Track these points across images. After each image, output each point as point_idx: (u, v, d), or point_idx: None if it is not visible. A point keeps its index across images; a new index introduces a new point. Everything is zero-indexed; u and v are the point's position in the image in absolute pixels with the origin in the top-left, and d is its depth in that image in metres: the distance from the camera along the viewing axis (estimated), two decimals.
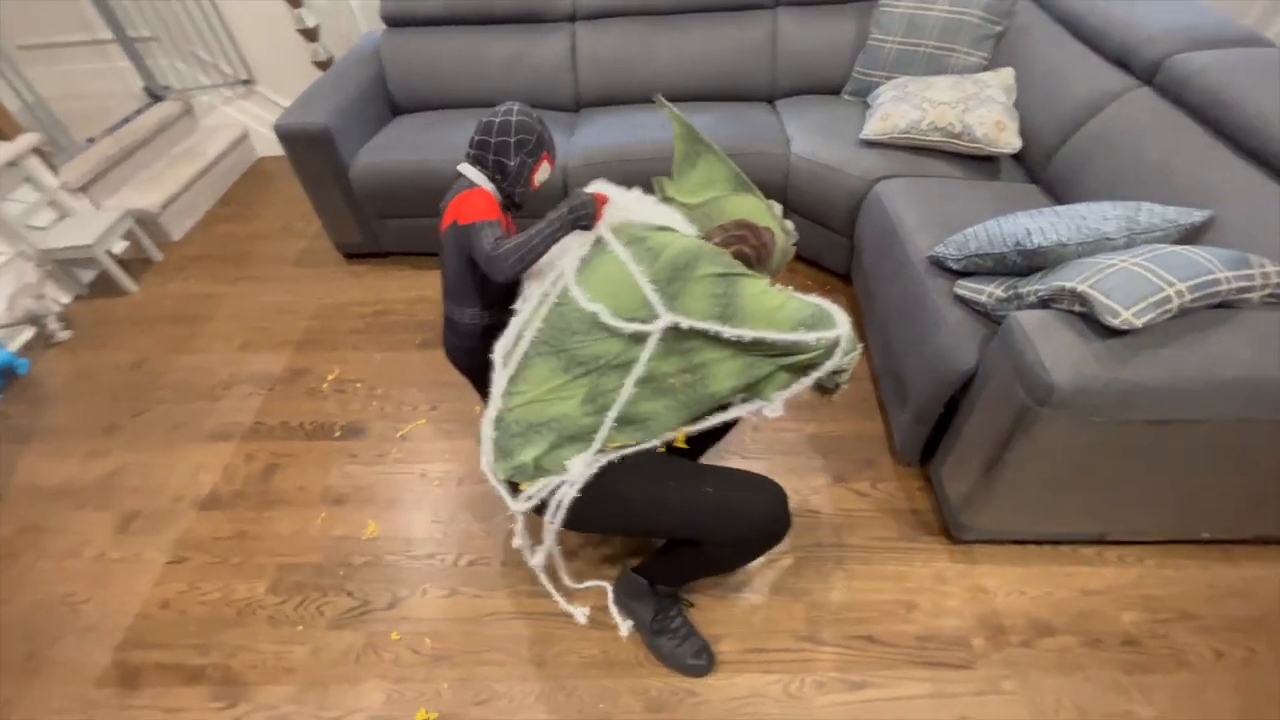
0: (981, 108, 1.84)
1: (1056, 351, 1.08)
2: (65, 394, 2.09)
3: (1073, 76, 1.81)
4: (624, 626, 1.31)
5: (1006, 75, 1.97)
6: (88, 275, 2.50)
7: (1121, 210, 1.29)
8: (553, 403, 1.02)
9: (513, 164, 1.18)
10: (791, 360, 1.03)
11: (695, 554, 1.16)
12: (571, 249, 1.10)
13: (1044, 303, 1.20)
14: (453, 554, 1.55)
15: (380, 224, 2.37)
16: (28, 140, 2.31)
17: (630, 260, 1.00)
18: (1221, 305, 1.12)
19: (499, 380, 1.09)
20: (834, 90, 2.37)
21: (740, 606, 1.41)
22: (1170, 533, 1.41)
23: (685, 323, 0.96)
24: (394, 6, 2.43)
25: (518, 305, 1.16)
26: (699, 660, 1.30)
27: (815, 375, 1.04)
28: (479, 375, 1.29)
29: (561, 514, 1.02)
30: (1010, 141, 1.82)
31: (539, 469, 1.03)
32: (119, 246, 2.62)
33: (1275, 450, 1.14)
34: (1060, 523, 1.40)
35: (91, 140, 2.69)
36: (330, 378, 2.05)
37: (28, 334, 2.28)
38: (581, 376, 1.00)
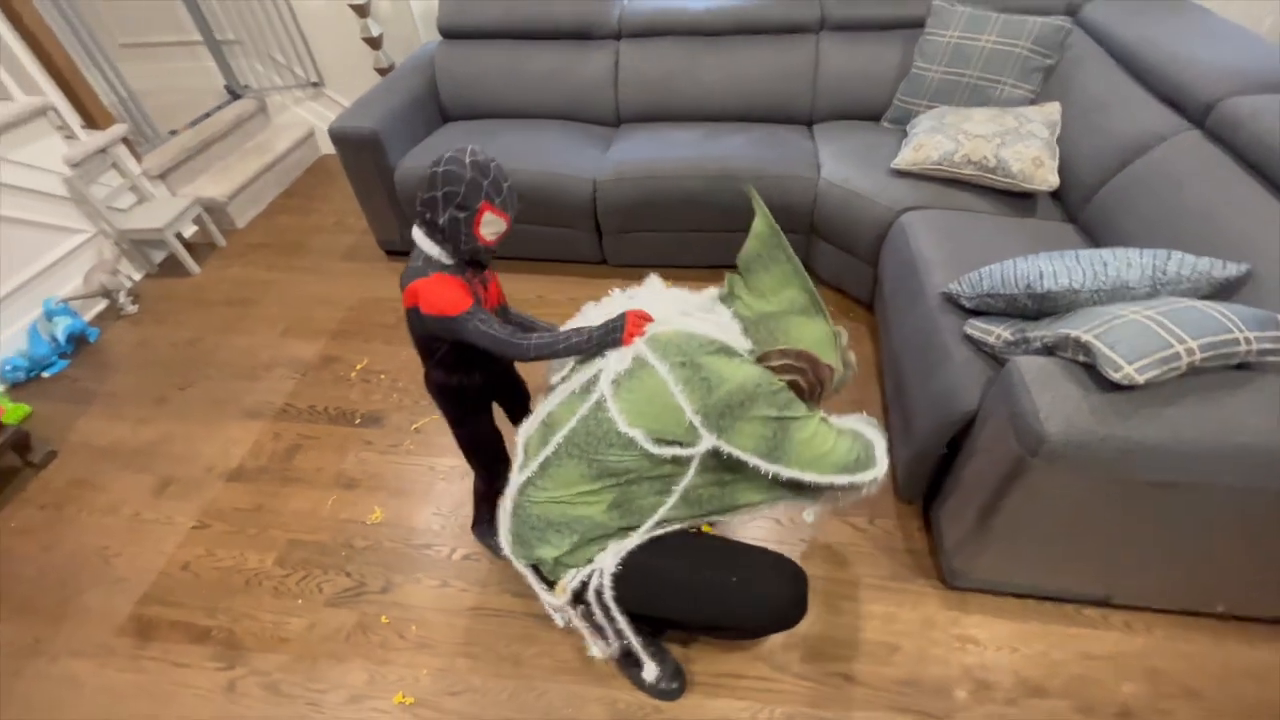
0: (1020, 143, 1.79)
1: (1053, 401, 1.04)
2: (126, 363, 2.28)
3: (1120, 114, 1.74)
4: (595, 648, 1.21)
5: (1051, 110, 1.90)
6: (158, 255, 2.72)
7: (1149, 258, 1.24)
8: (578, 506, 1.01)
9: (443, 220, 1.03)
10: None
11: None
12: (611, 356, 1.05)
13: (1049, 349, 1.16)
14: (448, 547, 1.61)
15: None
16: (117, 130, 2.54)
17: (678, 385, 0.96)
18: (1240, 367, 1.06)
19: (517, 469, 1.08)
20: (874, 117, 2.34)
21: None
22: (1181, 603, 1.32)
23: (728, 449, 0.96)
24: (450, 19, 2.55)
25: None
26: (671, 684, 1.30)
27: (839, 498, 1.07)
28: (452, 404, 1.30)
29: (610, 602, 1.03)
30: (1047, 179, 1.76)
31: (560, 567, 1.04)
32: (189, 231, 2.84)
33: None
34: (1061, 580, 1.33)
35: (174, 132, 2.94)
36: (359, 367, 2.16)
37: (100, 305, 2.50)
38: (612, 486, 1.00)
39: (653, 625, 1.34)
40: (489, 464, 1.42)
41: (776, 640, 1.38)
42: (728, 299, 1.19)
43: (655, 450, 0.95)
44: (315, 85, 3.28)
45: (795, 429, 0.98)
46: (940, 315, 1.47)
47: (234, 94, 3.24)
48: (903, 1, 2.26)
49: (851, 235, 2.01)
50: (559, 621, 1.33)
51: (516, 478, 1.07)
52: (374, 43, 2.87)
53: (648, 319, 1.06)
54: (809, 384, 1.05)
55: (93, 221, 2.50)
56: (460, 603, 1.49)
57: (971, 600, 1.42)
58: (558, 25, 2.49)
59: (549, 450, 1.03)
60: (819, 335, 1.08)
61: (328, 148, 3.43)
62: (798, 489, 1.05)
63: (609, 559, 1.01)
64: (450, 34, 2.60)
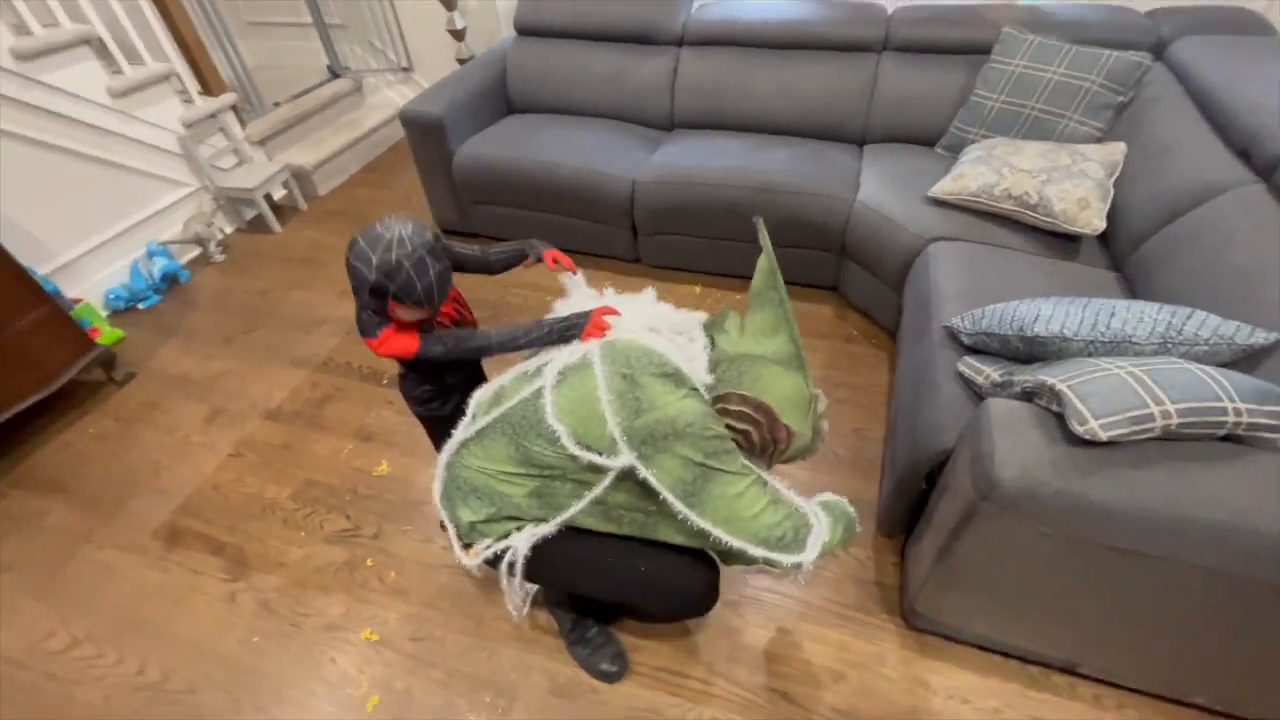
0: (1068, 181, 1.70)
1: (1012, 447, 1.01)
2: (206, 304, 2.57)
3: (1185, 160, 1.61)
4: (510, 606, 1.15)
5: (1114, 150, 1.79)
6: (249, 213, 3.03)
7: (1166, 315, 1.16)
8: (502, 483, 1.03)
9: (362, 303, 1.05)
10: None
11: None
12: (565, 348, 1.06)
13: (1028, 395, 1.12)
14: None
15: (473, 208, 2.64)
16: (227, 99, 2.86)
17: (609, 395, 0.93)
18: (1231, 439, 0.98)
19: (462, 428, 1.09)
20: (929, 142, 2.27)
21: (672, 626, 1.44)
22: (1156, 687, 1.23)
23: (643, 474, 0.93)
24: (525, 17, 2.69)
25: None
26: (611, 666, 1.35)
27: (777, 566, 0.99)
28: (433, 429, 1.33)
29: (519, 577, 1.06)
30: (1091, 222, 1.66)
31: (474, 531, 1.07)
32: (278, 193, 3.14)
33: (1270, 617, 0.97)
34: (1021, 637, 1.27)
35: (277, 104, 3.25)
36: None
37: (194, 252, 2.82)
38: (534, 476, 1.01)
39: (600, 607, 1.40)
40: None
41: (722, 649, 1.40)
42: (712, 327, 1.17)
43: (575, 451, 0.95)
44: (406, 70, 3.54)
45: (720, 481, 0.93)
46: (939, 350, 1.44)
47: (334, 73, 3.55)
48: (973, 26, 2.18)
49: (879, 260, 1.97)
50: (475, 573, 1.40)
51: (458, 435, 1.09)
52: (458, 35, 3.06)
53: (609, 322, 1.06)
54: (761, 440, 1.01)
55: (197, 177, 2.82)
56: (439, 559, 1.60)
57: (931, 645, 1.38)
58: (623, 28, 2.57)
59: (488, 420, 1.04)
60: (791, 392, 1.03)
61: None
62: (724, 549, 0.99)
63: (523, 541, 1.03)
64: (525, 31, 2.74)
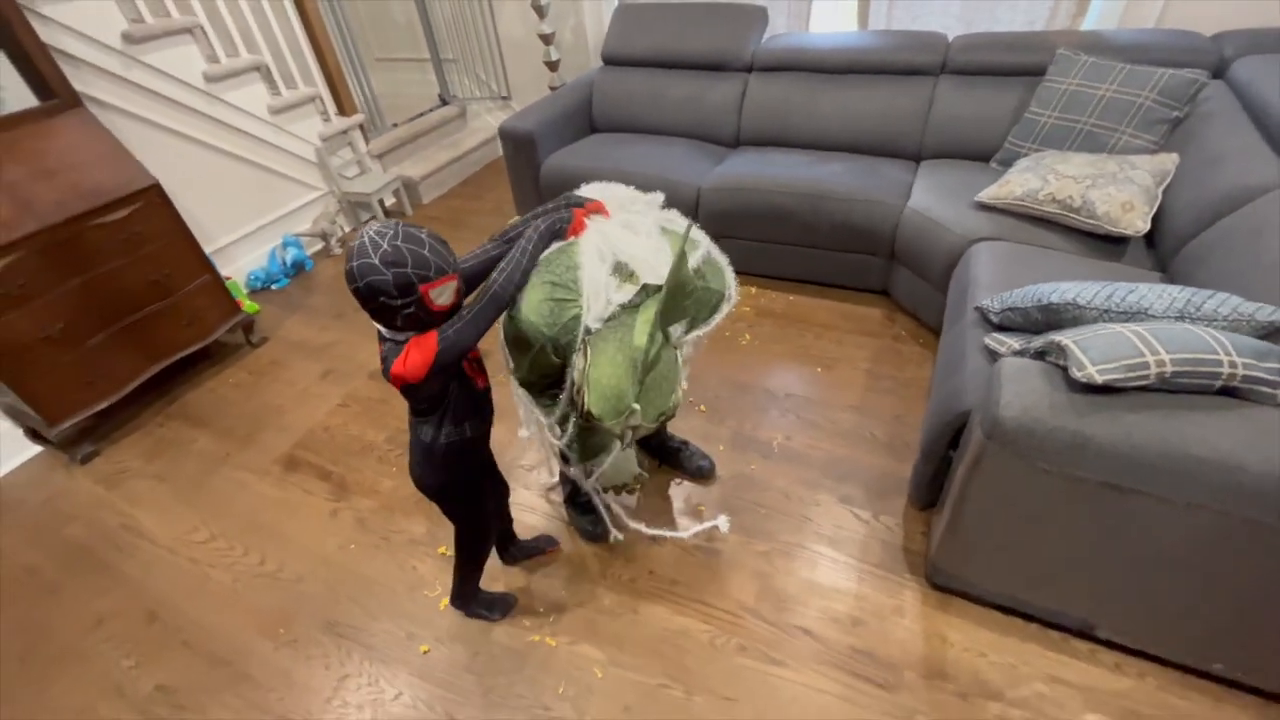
0: (1112, 186, 1.78)
1: (1016, 392, 1.12)
2: (324, 288, 2.99)
3: (1234, 168, 1.67)
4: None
5: (1165, 160, 1.86)
6: (365, 215, 3.49)
7: (1186, 294, 1.25)
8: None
9: (400, 320, 0.98)
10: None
11: None
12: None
13: (1039, 355, 1.23)
14: (523, 459, 1.95)
15: None
16: (357, 118, 3.35)
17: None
18: (1228, 393, 1.06)
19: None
20: (984, 158, 2.38)
21: (707, 567, 1.58)
22: (1175, 653, 1.26)
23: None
24: (612, 48, 3.03)
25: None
26: (592, 527, 1.63)
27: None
28: (445, 494, 1.29)
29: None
30: (1134, 224, 1.73)
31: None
32: (389, 200, 3.60)
33: (1267, 564, 1.02)
34: (1038, 595, 1.33)
35: (395, 125, 3.75)
36: None
37: (319, 245, 3.28)
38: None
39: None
40: (483, 546, 1.44)
41: (750, 589, 1.53)
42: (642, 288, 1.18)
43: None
44: (504, 99, 3.98)
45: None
46: (970, 329, 1.55)
47: (444, 100, 4.04)
48: (1028, 49, 2.30)
49: (926, 261, 2.09)
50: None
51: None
52: (552, 66, 3.45)
53: (598, 207, 1.23)
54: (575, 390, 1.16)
55: (326, 183, 3.30)
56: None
57: (953, 604, 1.46)
58: (698, 58, 2.85)
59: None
60: (608, 381, 1.09)
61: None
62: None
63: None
64: (611, 61, 3.08)
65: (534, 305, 1.15)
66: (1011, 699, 1.29)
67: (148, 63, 2.43)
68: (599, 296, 1.13)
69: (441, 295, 0.99)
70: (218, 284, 2.41)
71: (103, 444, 2.18)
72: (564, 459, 1.45)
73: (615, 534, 1.58)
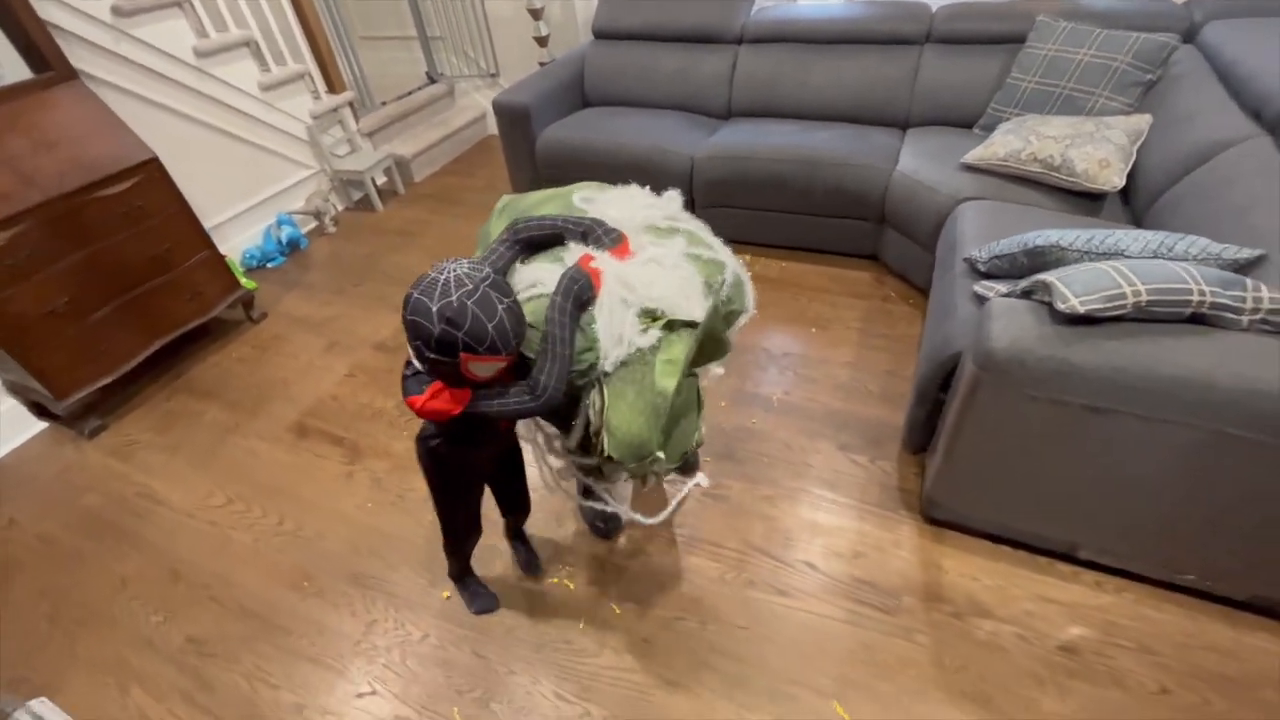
0: (1090, 145, 1.87)
1: (1005, 327, 1.21)
2: (321, 265, 3.00)
3: (1203, 124, 1.76)
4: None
5: (1138, 120, 1.95)
6: (357, 194, 3.49)
7: (1160, 237, 1.34)
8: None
9: (427, 367, 0.93)
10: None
11: None
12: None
13: (1026, 294, 1.31)
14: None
15: (551, 186, 2.98)
16: (347, 96, 3.34)
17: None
18: (1198, 320, 1.15)
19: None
20: (968, 125, 2.46)
21: (715, 512, 1.66)
22: (1151, 568, 1.37)
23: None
24: (602, 22, 3.05)
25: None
26: (605, 526, 1.61)
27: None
28: (426, 477, 1.24)
29: None
30: (1111, 179, 1.82)
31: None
32: (380, 179, 3.60)
33: (1230, 474, 1.13)
34: (1026, 521, 1.43)
35: (384, 103, 3.74)
36: None
37: (312, 224, 3.28)
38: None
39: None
40: (459, 547, 1.43)
41: (758, 530, 1.61)
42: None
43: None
44: (493, 76, 3.98)
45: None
46: (959, 279, 1.63)
47: (431, 79, 4.03)
48: (1009, 18, 2.38)
49: (914, 223, 2.17)
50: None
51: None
52: (542, 41, 3.47)
53: (595, 269, 1.02)
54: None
55: (318, 161, 3.30)
56: None
57: (947, 537, 1.55)
58: (689, 30, 2.89)
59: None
60: (627, 429, 0.99)
61: (494, 129, 4.11)
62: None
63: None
64: (602, 35, 3.11)
65: None
66: (1002, 616, 1.39)
67: (137, 36, 2.41)
68: (620, 343, 1.00)
69: (483, 370, 0.91)
70: (217, 259, 2.42)
71: (109, 419, 2.20)
72: (585, 482, 1.34)
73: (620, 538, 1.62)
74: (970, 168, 2.08)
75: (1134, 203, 1.88)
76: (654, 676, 1.35)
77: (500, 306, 0.87)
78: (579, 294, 0.98)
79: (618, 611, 1.47)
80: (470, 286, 0.85)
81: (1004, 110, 2.30)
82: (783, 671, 1.33)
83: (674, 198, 1.28)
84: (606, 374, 1.01)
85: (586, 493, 1.58)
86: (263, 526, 1.77)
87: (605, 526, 1.63)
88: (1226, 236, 1.39)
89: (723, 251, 1.19)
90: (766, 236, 2.64)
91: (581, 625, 1.46)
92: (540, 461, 1.37)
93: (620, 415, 0.98)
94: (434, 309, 0.84)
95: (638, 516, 1.31)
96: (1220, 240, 1.37)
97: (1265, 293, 1.12)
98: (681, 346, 1.01)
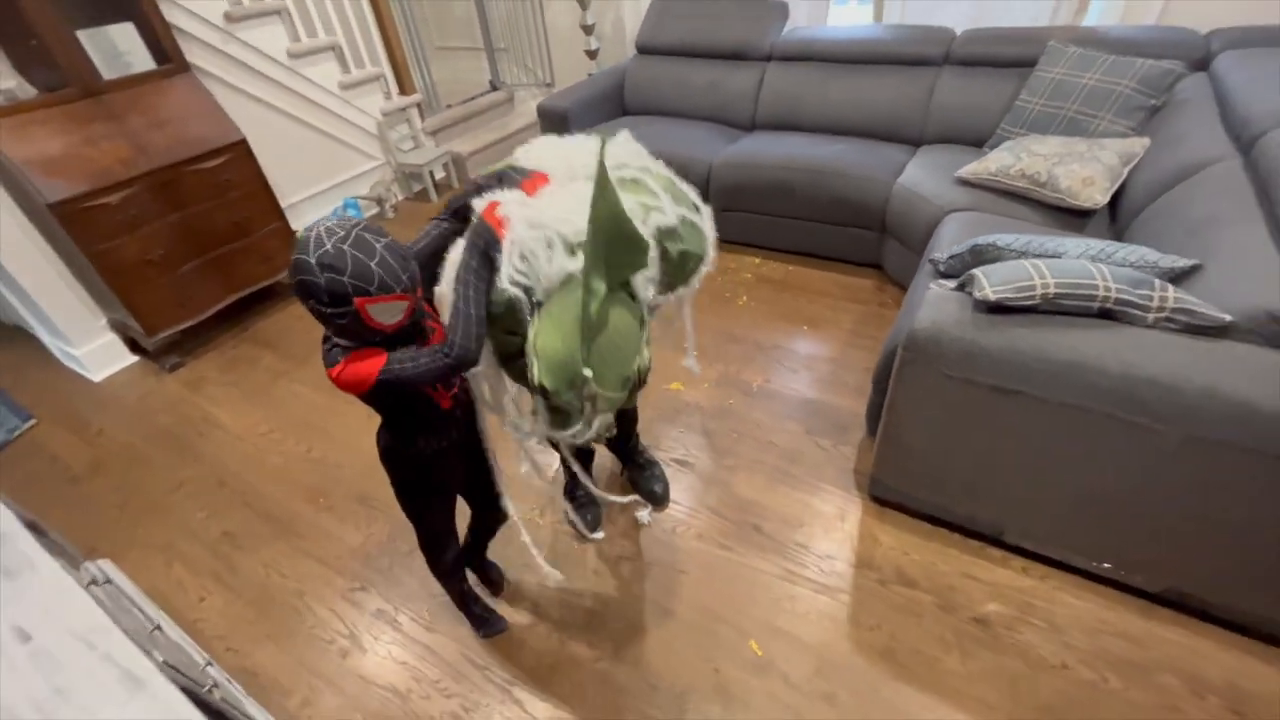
0: (1077, 163, 1.94)
1: (933, 312, 1.33)
2: None
3: (1188, 145, 1.81)
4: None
5: (1134, 143, 2.00)
6: (416, 186, 3.86)
7: (1101, 245, 1.43)
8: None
9: (333, 329, 0.91)
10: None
11: None
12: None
13: (960, 287, 1.43)
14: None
15: None
16: (415, 98, 3.73)
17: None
18: (1107, 316, 1.24)
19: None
20: (980, 143, 2.54)
21: (677, 479, 1.82)
22: (1067, 552, 1.43)
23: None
24: (645, 39, 3.31)
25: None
26: (587, 529, 1.68)
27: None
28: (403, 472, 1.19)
29: None
30: (1093, 197, 1.89)
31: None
32: (439, 173, 3.97)
33: (1139, 465, 1.20)
34: (959, 504, 1.52)
35: (449, 106, 4.12)
36: None
37: (374, 209, 3.67)
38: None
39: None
40: (438, 557, 1.34)
41: (712, 494, 1.76)
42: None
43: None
44: (548, 85, 4.31)
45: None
46: (925, 280, 1.74)
47: (494, 86, 4.40)
48: (1026, 44, 2.45)
49: (910, 232, 2.28)
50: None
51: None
52: (591, 54, 3.75)
53: (499, 216, 0.99)
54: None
55: (384, 154, 3.69)
56: None
57: (890, 515, 1.66)
58: (722, 47, 3.10)
59: None
60: (551, 350, 0.97)
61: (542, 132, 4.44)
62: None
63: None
64: (643, 50, 3.36)
65: None
66: (925, 588, 1.48)
67: (242, 38, 2.84)
68: (539, 280, 0.99)
69: (384, 314, 0.88)
70: (288, 230, 2.79)
71: (187, 358, 2.58)
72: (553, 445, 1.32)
73: (599, 533, 1.68)
74: (964, 181, 2.18)
75: (1118, 220, 1.93)
76: (590, 601, 1.53)
77: (379, 244, 0.86)
78: (484, 247, 0.97)
79: (575, 548, 1.66)
80: (342, 233, 0.85)
81: (1012, 130, 2.37)
82: (710, 610, 1.48)
83: (595, 141, 1.20)
84: (539, 306, 1.00)
85: (572, 493, 1.70)
86: (295, 453, 2.06)
87: (587, 525, 1.66)
88: (1180, 250, 1.46)
89: (685, 200, 1.20)
90: (776, 241, 2.79)
91: (545, 552, 1.65)
92: (511, 429, 1.19)
93: (546, 337, 0.98)
94: (312, 261, 0.83)
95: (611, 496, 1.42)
96: (1173, 252, 1.44)
97: (1171, 293, 1.20)
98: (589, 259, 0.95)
